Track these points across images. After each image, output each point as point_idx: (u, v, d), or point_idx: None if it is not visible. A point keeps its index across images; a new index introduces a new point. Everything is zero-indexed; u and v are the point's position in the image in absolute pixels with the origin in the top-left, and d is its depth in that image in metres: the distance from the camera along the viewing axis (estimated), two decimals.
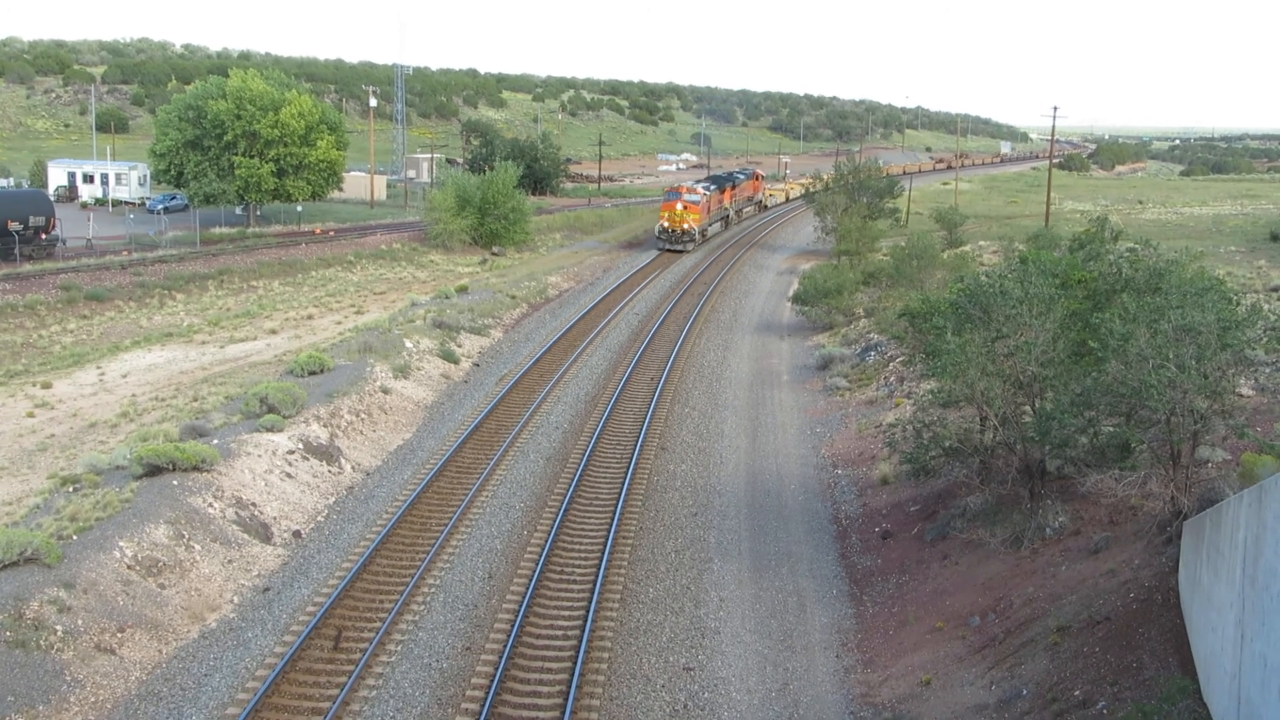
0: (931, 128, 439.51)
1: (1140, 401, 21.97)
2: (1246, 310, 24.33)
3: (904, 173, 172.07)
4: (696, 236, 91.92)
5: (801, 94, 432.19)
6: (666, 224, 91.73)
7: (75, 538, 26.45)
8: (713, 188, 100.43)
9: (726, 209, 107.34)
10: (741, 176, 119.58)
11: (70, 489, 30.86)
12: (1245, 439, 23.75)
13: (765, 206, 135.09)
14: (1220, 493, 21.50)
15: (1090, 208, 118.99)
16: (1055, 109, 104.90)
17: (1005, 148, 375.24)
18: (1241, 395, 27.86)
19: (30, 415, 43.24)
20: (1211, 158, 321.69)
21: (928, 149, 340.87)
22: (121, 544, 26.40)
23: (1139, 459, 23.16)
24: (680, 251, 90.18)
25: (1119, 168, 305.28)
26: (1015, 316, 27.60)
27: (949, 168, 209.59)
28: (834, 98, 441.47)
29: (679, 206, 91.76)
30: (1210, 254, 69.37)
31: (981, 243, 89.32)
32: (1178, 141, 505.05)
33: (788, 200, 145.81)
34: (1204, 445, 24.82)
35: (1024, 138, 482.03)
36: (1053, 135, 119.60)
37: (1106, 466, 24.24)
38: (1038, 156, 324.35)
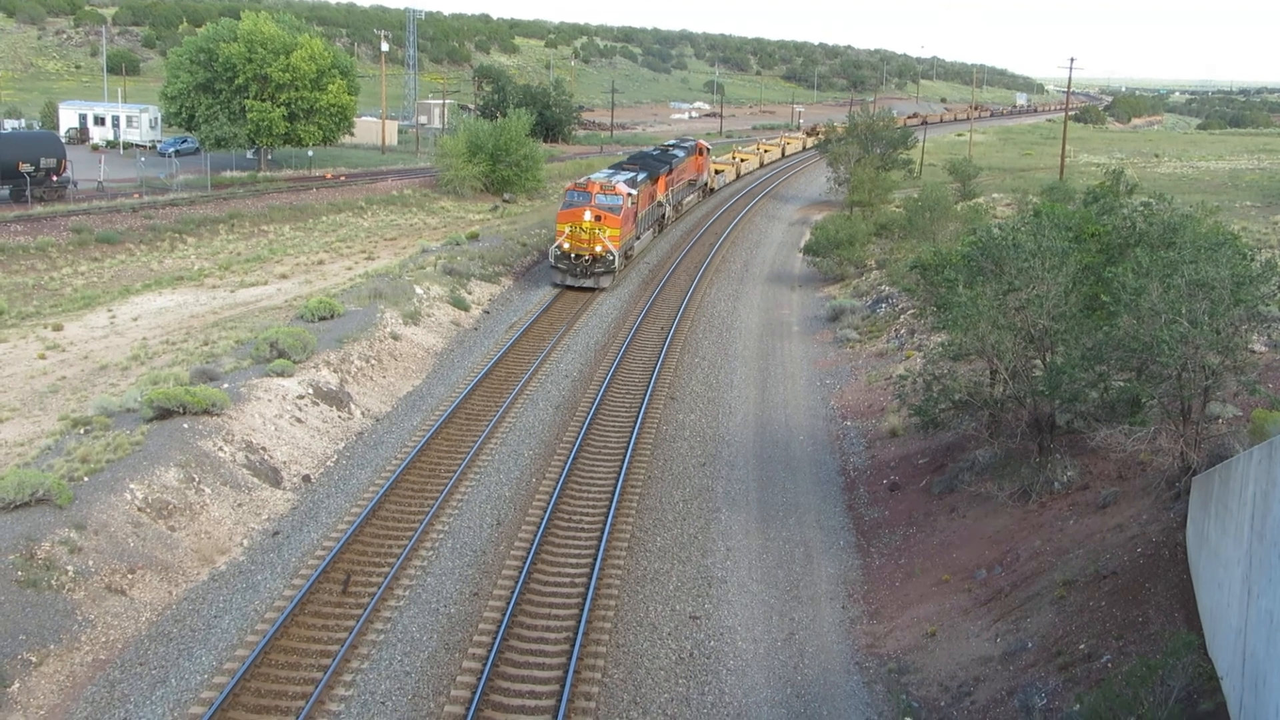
0: (947, 78, 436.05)
1: (1152, 356, 21.89)
2: (1261, 265, 24.17)
3: (923, 122, 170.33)
4: (616, 263, 55.90)
5: (816, 43, 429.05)
6: (567, 245, 55.11)
7: (86, 479, 26.58)
8: (643, 177, 63.67)
9: (662, 205, 71.81)
10: (680, 153, 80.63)
11: (81, 431, 30.97)
12: (1257, 395, 23.69)
13: (711, 190, 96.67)
14: (1230, 449, 21.45)
15: (1105, 161, 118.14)
16: (1072, 60, 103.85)
17: (1021, 99, 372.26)
18: (1254, 351, 27.72)
19: (41, 357, 43.35)
20: (1229, 111, 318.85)
21: (943, 100, 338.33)
22: (132, 486, 26.53)
23: (1149, 414, 23.10)
24: (591, 290, 55.35)
25: (1135, 120, 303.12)
26: (1027, 270, 27.46)
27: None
28: (849, 47, 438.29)
29: (588, 216, 54.97)
30: (1226, 209, 68.89)
31: (995, 195, 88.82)
32: (1194, 94, 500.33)
33: (739, 177, 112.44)
34: (1215, 401, 24.74)
35: (1040, 89, 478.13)
36: (1069, 87, 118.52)
37: (1116, 421, 24.18)
38: (1037, 110, 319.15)
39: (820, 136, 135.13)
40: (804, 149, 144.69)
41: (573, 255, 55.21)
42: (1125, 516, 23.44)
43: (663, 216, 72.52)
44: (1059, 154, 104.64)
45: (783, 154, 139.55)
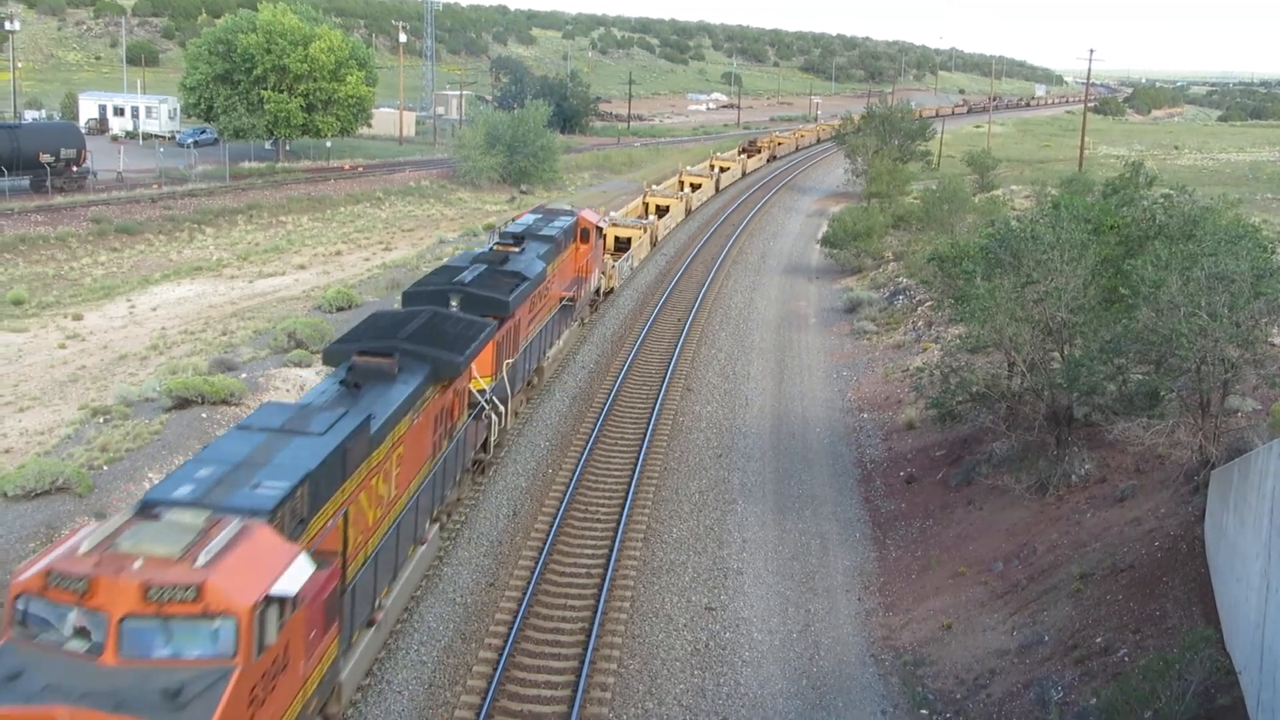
0: (966, 70, 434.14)
1: (1170, 349, 21.80)
2: None
3: (937, 114, 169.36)
4: None
5: (834, 34, 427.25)
6: None
7: (105, 468, 26.73)
8: (408, 396, 20.97)
9: (487, 420, 28.49)
10: (537, 263, 34.31)
11: (101, 420, 31.14)
12: (1276, 389, 23.58)
13: (609, 291, 51.54)
14: (1249, 442, 21.35)
15: (1125, 153, 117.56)
16: (1091, 52, 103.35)
17: (1040, 90, 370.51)
18: (1274, 344, 27.58)
19: (61, 346, 43.58)
20: (1250, 103, 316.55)
21: (961, 91, 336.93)
22: (151, 475, 26.65)
23: (1168, 407, 23.01)
24: None
25: (1155, 112, 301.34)
26: (1046, 262, 27.35)
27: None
28: (867, 38, 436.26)
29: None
30: (1246, 201, 68.40)
31: (1014, 187, 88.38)
32: (1214, 86, 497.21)
33: (653, 244, 64.85)
34: (1234, 394, 24.63)
35: (1060, 81, 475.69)
36: (1088, 78, 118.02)
37: (1134, 414, 24.09)
38: (1032, 104, 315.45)
39: (764, 153, 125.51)
40: (744, 174, 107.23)
41: None
42: (1143, 510, 23.36)
43: (486, 442, 29.37)
44: (1078, 145, 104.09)
45: (717, 188, 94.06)
